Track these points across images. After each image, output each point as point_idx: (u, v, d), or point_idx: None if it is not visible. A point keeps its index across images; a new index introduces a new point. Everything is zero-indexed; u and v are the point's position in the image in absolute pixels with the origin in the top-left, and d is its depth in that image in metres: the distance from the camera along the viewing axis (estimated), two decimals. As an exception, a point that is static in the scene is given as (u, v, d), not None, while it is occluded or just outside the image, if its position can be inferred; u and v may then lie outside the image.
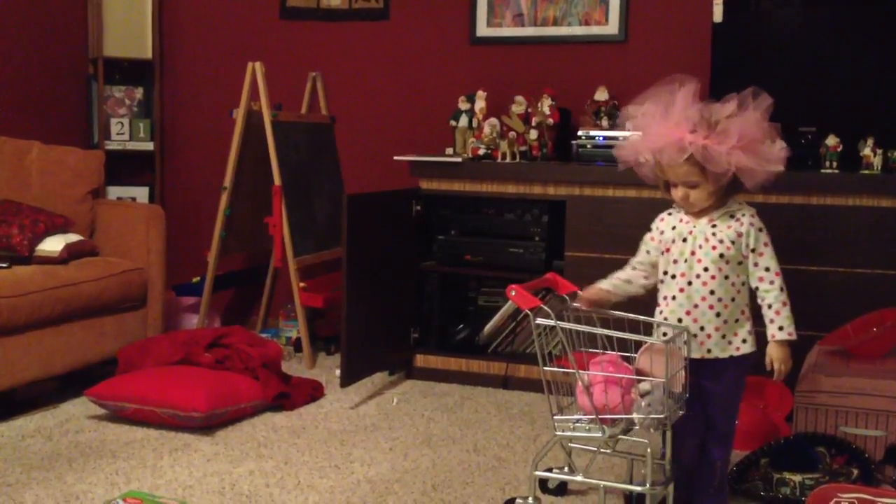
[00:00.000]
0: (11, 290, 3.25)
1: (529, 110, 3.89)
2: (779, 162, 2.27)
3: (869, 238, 3.26)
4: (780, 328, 2.28)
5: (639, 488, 2.37)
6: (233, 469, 2.84)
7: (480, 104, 3.96)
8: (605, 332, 2.34)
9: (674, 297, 2.34)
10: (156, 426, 3.19)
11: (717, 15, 3.66)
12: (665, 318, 2.35)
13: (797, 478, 2.57)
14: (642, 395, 2.29)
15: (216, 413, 3.16)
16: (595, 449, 2.50)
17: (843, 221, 3.28)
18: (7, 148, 3.90)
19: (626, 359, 2.37)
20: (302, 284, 4.05)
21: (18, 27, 4.35)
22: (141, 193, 4.75)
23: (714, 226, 2.32)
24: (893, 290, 3.21)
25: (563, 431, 2.37)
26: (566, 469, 2.61)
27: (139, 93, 4.80)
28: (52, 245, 3.63)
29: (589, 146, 3.70)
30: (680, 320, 2.32)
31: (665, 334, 2.35)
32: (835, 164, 3.35)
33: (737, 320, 2.32)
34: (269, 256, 4.36)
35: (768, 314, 2.30)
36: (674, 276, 2.34)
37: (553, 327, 2.31)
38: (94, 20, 4.63)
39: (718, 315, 2.30)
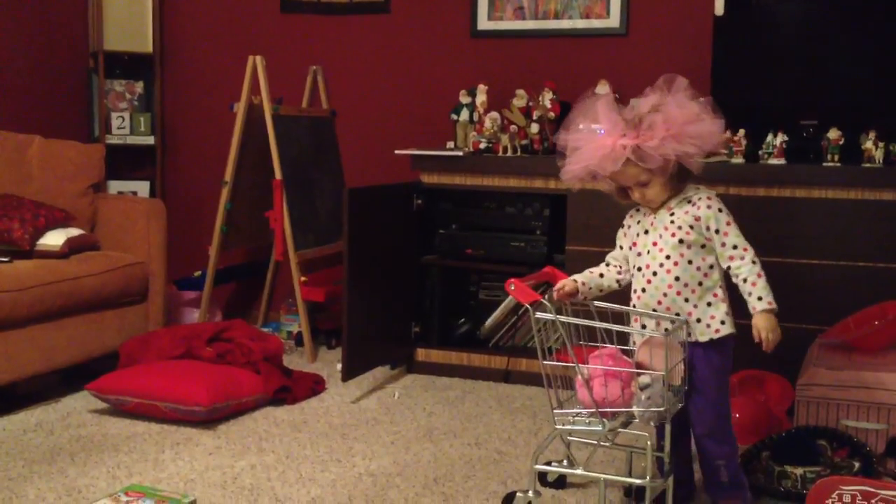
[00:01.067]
0: (12, 284, 3.25)
1: (530, 104, 3.89)
2: (716, 137, 2.28)
3: (870, 231, 3.25)
4: (759, 298, 2.28)
5: (639, 481, 2.37)
6: (234, 463, 2.84)
7: (481, 98, 3.96)
8: (605, 325, 2.34)
9: (643, 290, 2.36)
10: (157, 420, 3.20)
11: (719, 8, 3.65)
12: (645, 306, 2.37)
13: (799, 471, 2.57)
14: (642, 389, 2.29)
15: (218, 407, 3.16)
16: (595, 442, 2.50)
17: (844, 215, 3.28)
18: (8, 142, 3.90)
19: (625, 352, 2.37)
20: (303, 278, 4.05)
21: (19, 21, 4.35)
22: (142, 188, 4.74)
23: (672, 213, 2.33)
24: (895, 283, 3.21)
25: (563, 425, 2.37)
26: (565, 462, 2.61)
27: (140, 87, 4.79)
28: (54, 239, 3.63)
29: (590, 140, 3.69)
30: (654, 311, 2.33)
31: (644, 326, 2.37)
32: (836, 157, 3.34)
33: (709, 304, 2.32)
34: (270, 250, 4.36)
35: (745, 288, 2.30)
36: (640, 269, 2.37)
37: (553, 321, 2.31)
38: (94, 14, 4.62)
39: (687, 300, 2.32)
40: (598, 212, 3.59)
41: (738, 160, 3.42)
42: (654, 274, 2.33)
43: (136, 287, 3.80)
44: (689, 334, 2.33)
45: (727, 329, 2.34)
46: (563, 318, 2.32)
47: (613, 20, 4.08)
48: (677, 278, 2.31)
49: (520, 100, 3.91)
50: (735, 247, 2.30)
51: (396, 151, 3.95)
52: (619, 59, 4.08)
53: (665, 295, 2.32)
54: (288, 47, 4.59)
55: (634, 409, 2.30)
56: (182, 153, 4.88)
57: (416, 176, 3.87)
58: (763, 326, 2.28)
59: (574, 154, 2.32)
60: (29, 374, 3.34)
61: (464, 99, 4.01)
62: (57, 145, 4.01)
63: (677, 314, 2.32)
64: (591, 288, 2.46)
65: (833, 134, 3.35)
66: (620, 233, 2.49)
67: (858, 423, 2.75)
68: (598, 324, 2.35)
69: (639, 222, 2.41)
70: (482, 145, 3.81)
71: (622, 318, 2.40)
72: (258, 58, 4.05)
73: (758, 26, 3.69)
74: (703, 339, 2.33)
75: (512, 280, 2.35)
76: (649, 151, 2.21)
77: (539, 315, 2.32)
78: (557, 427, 2.38)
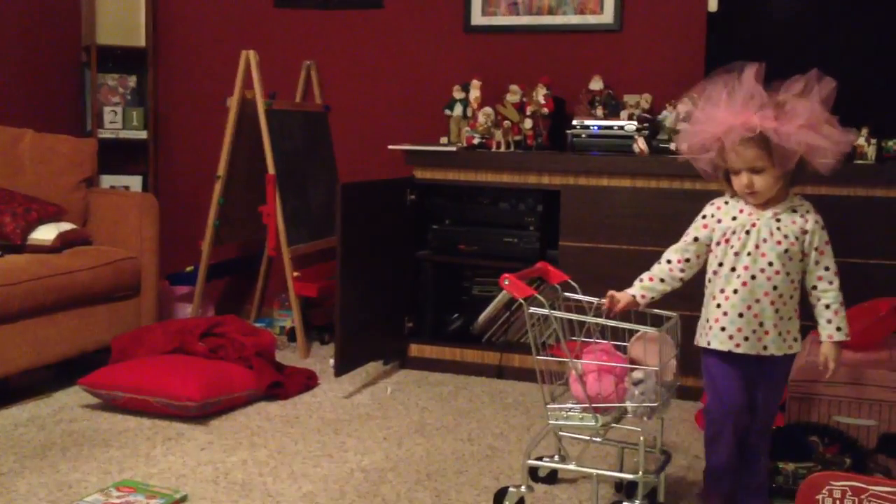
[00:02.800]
0: (4, 278, 3.24)
1: (524, 99, 3.88)
2: (846, 143, 2.19)
3: (862, 228, 3.26)
4: (839, 329, 2.25)
5: (631, 476, 2.38)
6: (226, 458, 2.84)
7: (475, 93, 3.95)
8: (598, 320, 2.34)
9: (735, 291, 2.23)
10: (149, 415, 3.19)
11: (712, 4, 3.65)
12: (725, 313, 2.25)
13: (790, 467, 2.57)
14: (635, 384, 2.29)
15: (210, 402, 3.16)
16: (587, 438, 2.50)
17: (836, 211, 3.27)
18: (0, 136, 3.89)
19: (619, 348, 2.37)
20: (296, 273, 4.04)
21: (11, 14, 4.33)
22: (134, 182, 4.73)
23: (778, 220, 2.23)
24: (887, 280, 3.22)
25: (556, 420, 2.37)
26: (557, 457, 2.62)
27: (132, 81, 4.78)
28: (45, 233, 3.62)
29: (584, 135, 3.70)
30: (741, 315, 2.22)
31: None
32: (829, 153, 3.34)
33: (790, 318, 2.26)
34: (263, 245, 4.35)
35: (825, 314, 2.26)
36: (734, 269, 2.24)
37: (547, 317, 2.31)
38: (87, 7, 4.60)
39: (777, 311, 2.23)
40: (592, 208, 3.59)
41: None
42: (753, 278, 2.22)
43: (128, 282, 3.79)
44: (765, 347, 2.24)
45: (798, 347, 2.29)
46: (556, 314, 2.32)
47: (607, 16, 4.08)
48: (775, 287, 2.22)
49: (513, 95, 3.91)
50: (828, 269, 2.25)
51: (390, 147, 3.95)
52: (612, 54, 4.08)
53: (758, 301, 2.22)
54: (281, 42, 4.58)
55: (628, 404, 2.30)
56: (175, 148, 4.87)
57: (410, 171, 3.87)
58: (833, 357, 2.27)
59: (705, 115, 2.21)
60: (20, 368, 3.33)
61: (457, 94, 4.01)
62: (49, 139, 4.00)
63: (761, 324, 2.22)
64: (652, 297, 2.36)
65: (826, 130, 3.35)
66: (699, 223, 2.33)
67: (850, 420, 2.76)
68: (591, 319, 2.36)
69: (734, 218, 2.26)
70: (476, 141, 3.81)
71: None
72: (251, 52, 4.04)
73: (751, 22, 3.69)
74: (778, 353, 2.25)
75: (506, 275, 2.35)
76: (786, 134, 2.12)
77: (533, 310, 2.32)
78: (551, 422, 2.38)
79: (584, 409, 2.32)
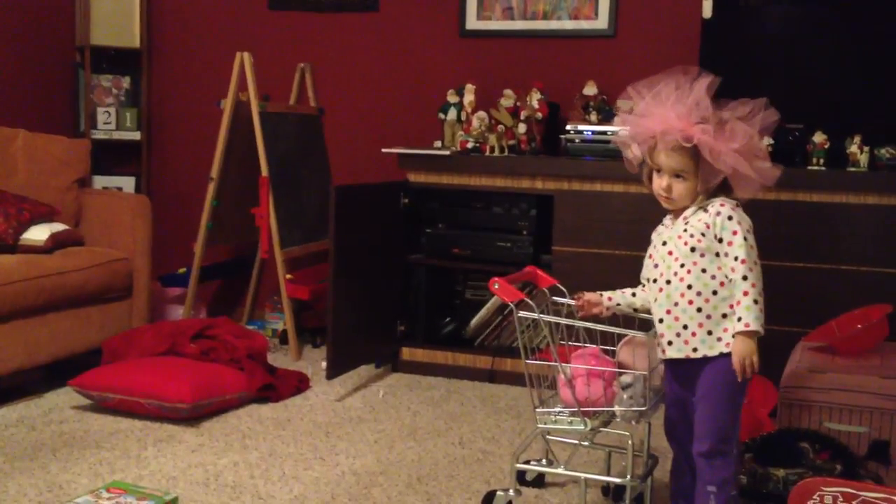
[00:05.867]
0: (-5, 278, 3.23)
1: (518, 104, 3.89)
2: (771, 178, 2.17)
3: (854, 235, 3.27)
4: (738, 319, 2.12)
5: (619, 480, 2.38)
6: (217, 460, 2.83)
7: (469, 97, 3.96)
8: (588, 324, 2.34)
9: (655, 300, 2.23)
10: (140, 417, 3.18)
11: (707, 11, 3.66)
12: (658, 318, 2.23)
13: (781, 472, 2.57)
14: (624, 388, 2.30)
15: (201, 404, 3.15)
16: (576, 442, 2.51)
17: (829, 218, 3.29)
18: (-8, 136, 3.88)
19: (607, 352, 2.37)
20: (288, 276, 4.04)
21: (5, 14, 4.32)
22: (127, 183, 4.72)
23: (687, 222, 2.22)
24: (879, 286, 3.23)
25: (545, 424, 2.37)
26: (545, 461, 2.62)
27: (126, 82, 4.77)
28: (37, 234, 3.61)
29: (577, 140, 3.71)
30: (661, 321, 2.20)
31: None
32: (822, 160, 3.35)
33: (724, 315, 2.16)
34: (256, 248, 4.35)
35: (735, 309, 2.15)
36: (656, 280, 2.24)
37: (537, 321, 2.31)
38: (81, 8, 4.60)
39: (700, 310, 2.16)
40: (585, 213, 3.60)
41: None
42: (668, 282, 2.20)
43: (120, 283, 3.78)
44: (694, 349, 2.18)
45: None
46: (546, 318, 2.32)
47: (602, 21, 4.09)
48: (689, 286, 2.17)
49: (507, 100, 3.91)
50: (736, 258, 2.15)
51: (384, 150, 3.95)
52: (606, 60, 4.09)
53: (676, 304, 2.18)
54: (276, 44, 4.58)
55: (616, 408, 2.30)
56: (168, 149, 4.86)
57: (404, 175, 3.87)
58: (735, 351, 2.12)
59: (649, 110, 2.20)
60: (11, 369, 3.32)
61: (451, 98, 4.02)
62: (42, 140, 3.99)
63: (685, 326, 2.17)
64: (619, 303, 2.35)
65: (818, 138, 3.36)
66: (648, 250, 2.34)
67: (841, 426, 2.76)
68: (580, 323, 2.36)
69: (659, 234, 2.30)
70: (469, 145, 3.81)
71: (602, 318, 2.39)
72: (246, 54, 4.04)
73: (745, 29, 3.70)
74: (711, 353, 2.16)
75: (496, 279, 2.35)
76: (719, 154, 2.11)
77: (522, 314, 2.32)
78: (540, 426, 2.38)
79: (573, 413, 2.32)
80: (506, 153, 3.80)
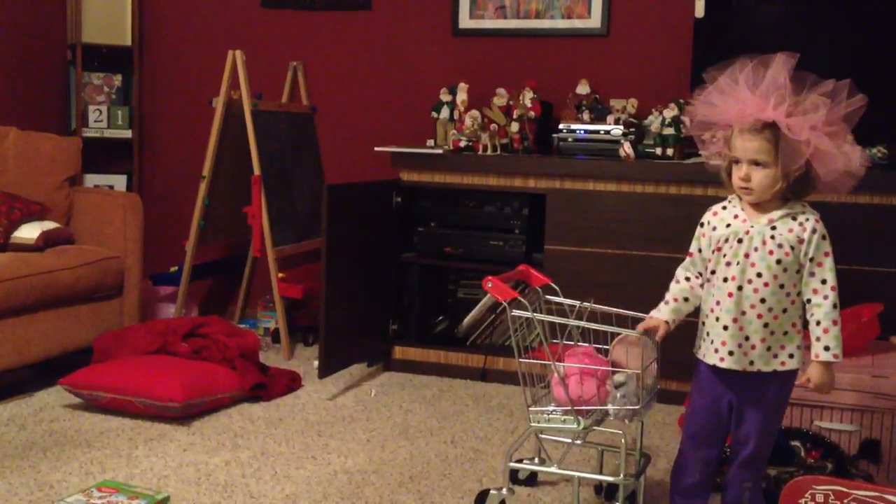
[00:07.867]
0: (-14, 277, 3.22)
1: (511, 103, 3.89)
2: (860, 163, 2.05)
3: (846, 235, 3.26)
4: (826, 348, 2.09)
5: (612, 479, 2.38)
6: (209, 459, 2.83)
7: (462, 96, 3.95)
8: (581, 323, 2.34)
9: (718, 303, 2.13)
10: (131, 416, 3.17)
11: (699, 10, 3.67)
12: (713, 325, 2.15)
13: (772, 471, 2.58)
14: (617, 387, 2.30)
15: (192, 403, 3.14)
16: (569, 440, 2.51)
17: (822, 218, 3.29)
18: (-17, 134, 3.87)
19: (600, 350, 2.37)
20: (280, 275, 4.03)
21: (-4, 12, 4.31)
22: (118, 181, 4.71)
23: (774, 227, 2.09)
24: (870, 286, 3.23)
25: (538, 422, 2.37)
26: (537, 460, 2.62)
27: (118, 80, 4.76)
28: (28, 232, 3.60)
29: (570, 139, 3.71)
30: (725, 328, 2.11)
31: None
32: (814, 160, 3.35)
33: (785, 333, 2.11)
34: (248, 246, 4.34)
35: (815, 331, 2.10)
36: (725, 280, 2.11)
37: (531, 320, 2.31)
38: (72, 5, 4.58)
39: (766, 326, 2.09)
40: (577, 212, 3.60)
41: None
42: (740, 288, 2.09)
43: (111, 281, 3.77)
44: (751, 362, 2.12)
45: (794, 364, 2.14)
46: (539, 316, 2.32)
47: (595, 21, 4.09)
48: (763, 300, 2.08)
49: (500, 98, 3.91)
50: (824, 281, 2.08)
51: (376, 149, 3.94)
52: (599, 59, 4.09)
53: (743, 313, 2.09)
54: (268, 42, 4.57)
55: (609, 407, 2.30)
56: (160, 147, 4.85)
57: (396, 173, 3.86)
58: (816, 378, 2.11)
59: (724, 94, 2.10)
60: (2, 368, 3.30)
61: (444, 97, 4.01)
62: (33, 138, 3.97)
63: (747, 338, 2.10)
64: (679, 320, 2.26)
65: (811, 137, 3.36)
66: (698, 233, 2.22)
67: (832, 425, 2.77)
68: (574, 322, 2.36)
69: (728, 225, 2.14)
70: (462, 144, 3.81)
71: (595, 317, 2.40)
72: (238, 52, 4.03)
73: (738, 28, 3.71)
74: (766, 369, 2.11)
75: (489, 277, 2.35)
76: (798, 130, 2.00)
77: (516, 312, 2.32)
78: (532, 424, 2.38)
79: (566, 412, 2.32)
80: (498, 152, 3.79)
